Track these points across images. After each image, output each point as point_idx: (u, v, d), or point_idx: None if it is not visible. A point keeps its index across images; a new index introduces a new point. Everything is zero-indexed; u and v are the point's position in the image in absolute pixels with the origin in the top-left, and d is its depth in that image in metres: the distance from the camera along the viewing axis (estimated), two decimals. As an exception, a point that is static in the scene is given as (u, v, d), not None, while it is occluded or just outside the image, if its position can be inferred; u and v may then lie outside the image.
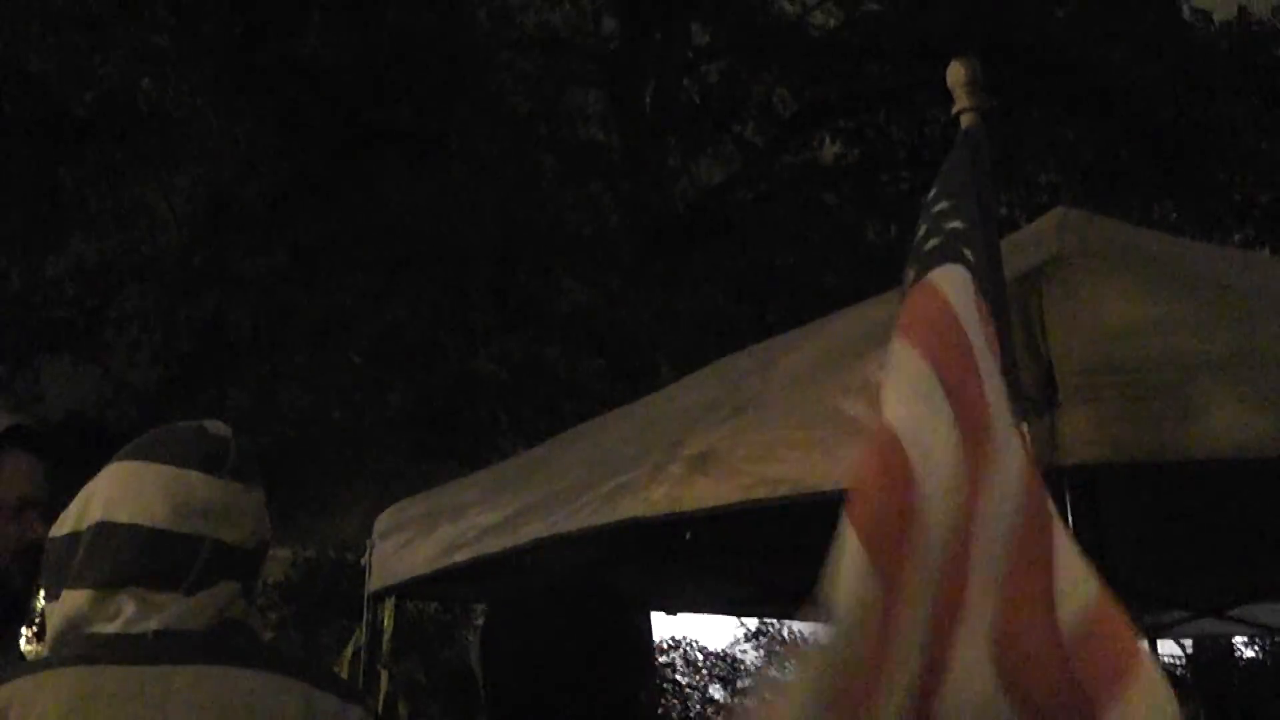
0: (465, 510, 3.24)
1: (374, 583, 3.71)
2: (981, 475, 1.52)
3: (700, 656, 13.45)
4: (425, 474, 7.95)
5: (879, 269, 8.16)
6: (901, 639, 1.52)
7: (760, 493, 2.09)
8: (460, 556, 3.08)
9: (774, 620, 12.24)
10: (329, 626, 9.48)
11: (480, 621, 1.96)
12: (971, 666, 1.51)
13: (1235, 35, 9.86)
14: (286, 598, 10.76)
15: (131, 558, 1.47)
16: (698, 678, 13.38)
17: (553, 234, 8.73)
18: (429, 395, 8.79)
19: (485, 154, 8.53)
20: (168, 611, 1.45)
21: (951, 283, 1.72)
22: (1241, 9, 9.97)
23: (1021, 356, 1.90)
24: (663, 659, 12.76)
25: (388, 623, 3.74)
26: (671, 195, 10.08)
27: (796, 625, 12.27)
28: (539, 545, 2.70)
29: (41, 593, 1.61)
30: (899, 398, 1.61)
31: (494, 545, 2.90)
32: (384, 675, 3.75)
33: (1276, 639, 9.87)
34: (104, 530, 1.49)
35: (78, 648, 1.46)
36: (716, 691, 13.21)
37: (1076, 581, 1.52)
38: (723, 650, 13.36)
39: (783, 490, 2.08)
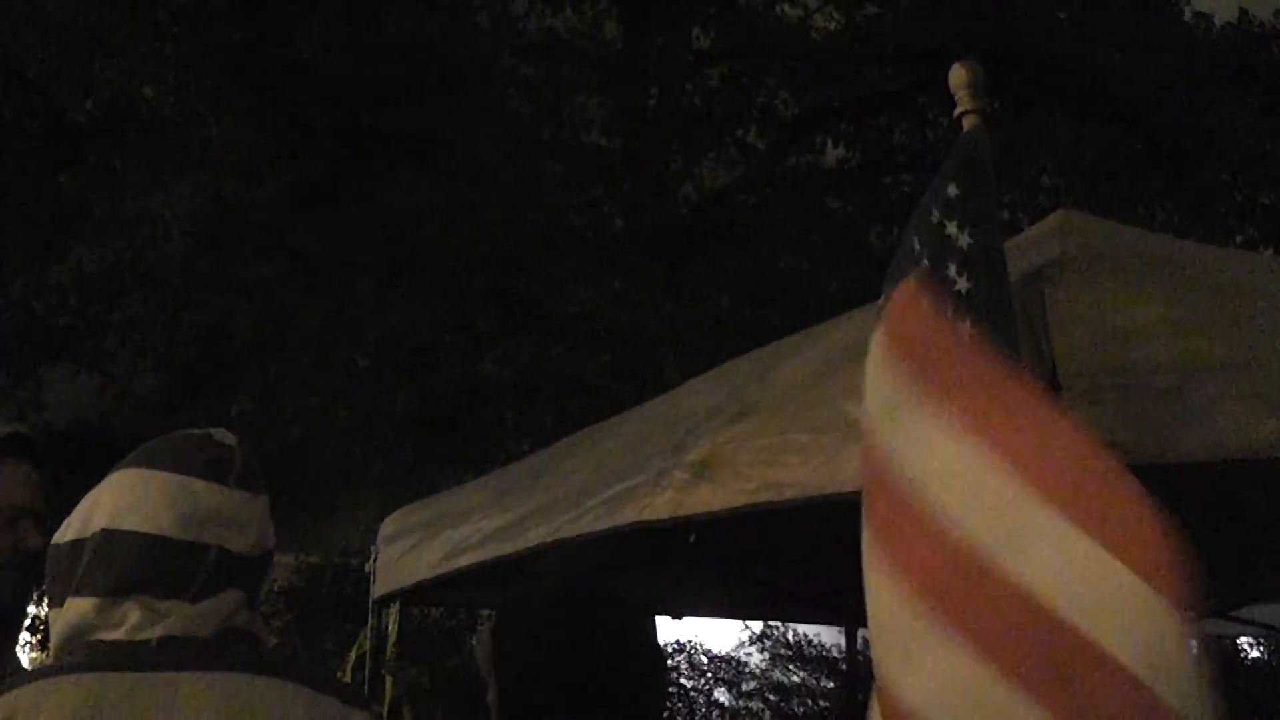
0: (469, 515, 3.24)
1: (378, 588, 3.72)
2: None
3: (705, 659, 13.44)
4: (430, 479, 7.96)
5: (882, 272, 8.15)
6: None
7: (764, 497, 2.09)
8: (464, 561, 3.08)
9: (778, 623, 12.24)
10: (333, 632, 9.48)
11: (488, 625, 1.96)
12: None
13: (1236, 37, 9.87)
14: (290, 604, 10.75)
15: (137, 566, 1.47)
16: (702, 681, 13.36)
17: (555, 239, 8.73)
18: (434, 397, 8.80)
19: (487, 159, 8.53)
20: (172, 619, 1.45)
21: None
22: (1242, 11, 9.97)
23: (1025, 359, 1.89)
24: (667, 662, 12.76)
25: (392, 628, 3.74)
26: (674, 199, 10.08)
27: (800, 628, 12.29)
28: (543, 551, 2.70)
29: (45, 601, 1.61)
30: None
31: (498, 551, 2.90)
32: (388, 681, 3.75)
33: (1282, 640, 9.85)
34: (109, 538, 1.49)
35: (82, 655, 1.46)
36: (721, 694, 13.19)
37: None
38: (727, 653, 13.36)
39: (787, 494, 2.08)
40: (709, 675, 13.33)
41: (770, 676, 12.68)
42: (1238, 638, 9.99)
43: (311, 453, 9.07)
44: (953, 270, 1.94)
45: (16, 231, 8.75)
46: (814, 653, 12.41)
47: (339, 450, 9.14)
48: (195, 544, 1.49)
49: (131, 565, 1.47)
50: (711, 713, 13.11)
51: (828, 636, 12.29)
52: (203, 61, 8.48)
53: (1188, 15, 9.89)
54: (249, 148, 8.67)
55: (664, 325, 8.10)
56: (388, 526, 3.76)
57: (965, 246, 1.93)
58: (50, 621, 1.54)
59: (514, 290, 8.72)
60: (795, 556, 4.25)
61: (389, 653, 3.75)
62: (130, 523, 1.49)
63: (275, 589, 10.48)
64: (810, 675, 12.42)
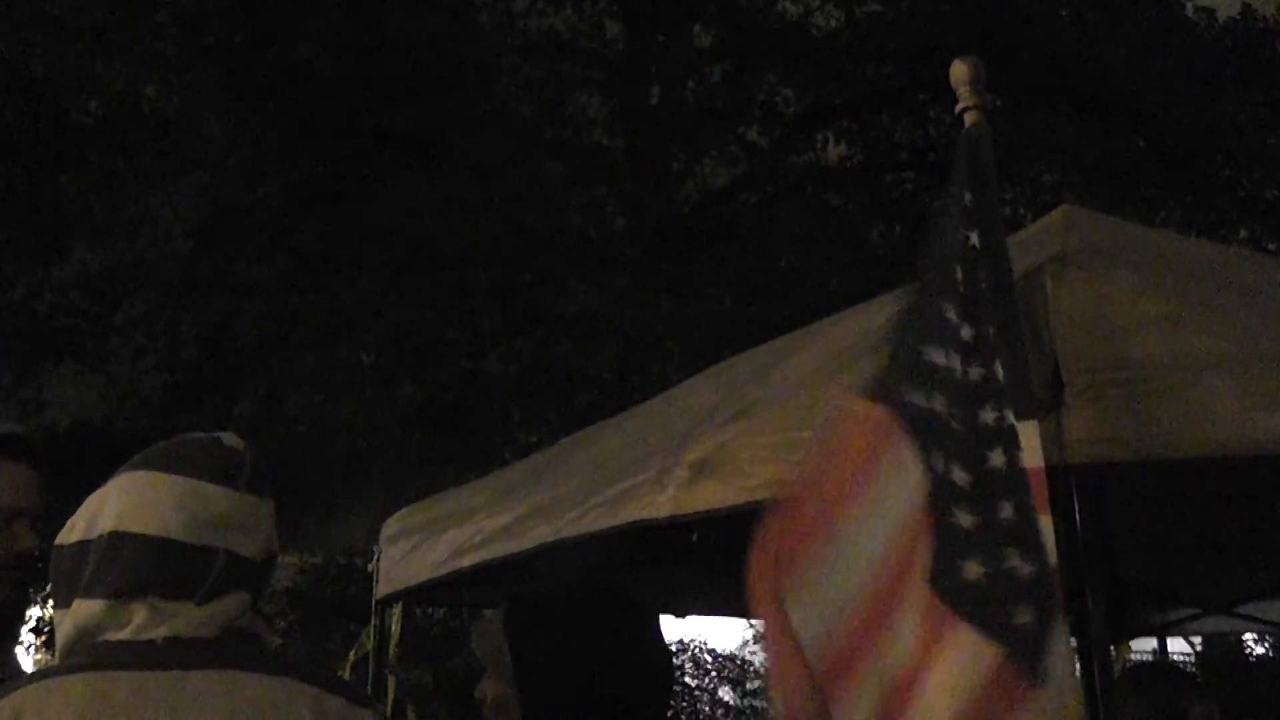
0: (472, 515, 3.23)
1: (381, 588, 3.71)
2: None
3: (709, 658, 13.45)
4: (433, 478, 7.95)
5: (884, 269, 8.19)
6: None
7: (765, 495, 2.09)
8: (467, 561, 3.08)
9: (782, 622, 12.21)
10: (337, 632, 9.49)
11: (495, 619, 1.96)
12: None
13: (1239, 33, 9.86)
14: (294, 604, 10.77)
15: (146, 568, 1.47)
16: (707, 680, 13.37)
17: (558, 238, 8.73)
18: (437, 394, 8.80)
19: (489, 159, 8.53)
20: (178, 620, 1.46)
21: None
22: (1245, 7, 9.97)
23: (1027, 355, 1.89)
24: (674, 661, 12.75)
25: (395, 628, 3.74)
26: (676, 198, 10.08)
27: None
28: (546, 550, 2.69)
29: (49, 602, 1.61)
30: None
31: (501, 550, 2.90)
32: (391, 681, 3.75)
33: (1286, 637, 9.85)
34: (117, 540, 1.49)
35: (88, 655, 1.46)
36: (725, 693, 13.20)
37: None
38: (731, 652, 13.36)
39: (788, 492, 2.07)
40: (713, 674, 13.33)
41: (774, 675, 12.68)
42: (1242, 634, 9.99)
43: (315, 452, 9.08)
44: (959, 271, 1.94)
45: (19, 232, 8.76)
46: (818, 651, 12.40)
47: (343, 450, 9.15)
48: (204, 547, 1.49)
49: (140, 567, 1.47)
50: (716, 711, 13.11)
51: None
52: (205, 62, 8.49)
53: (1190, 11, 9.89)
54: (251, 148, 8.68)
55: (666, 324, 8.10)
56: (390, 526, 3.75)
57: (975, 245, 1.93)
58: (56, 623, 1.54)
59: (516, 289, 8.72)
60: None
61: (392, 653, 3.75)
62: (140, 525, 1.49)
63: (279, 589, 10.49)
64: (814, 673, 12.41)
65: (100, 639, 1.46)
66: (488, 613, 2.00)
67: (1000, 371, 1.81)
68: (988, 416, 1.80)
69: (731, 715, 13.07)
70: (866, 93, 9.82)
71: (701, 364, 3.88)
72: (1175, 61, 8.88)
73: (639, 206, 9.47)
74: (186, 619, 1.46)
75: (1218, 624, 5.76)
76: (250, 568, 1.53)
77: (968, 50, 2.13)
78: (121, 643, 1.44)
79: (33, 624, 10.32)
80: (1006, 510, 1.73)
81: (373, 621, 3.77)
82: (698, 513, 2.19)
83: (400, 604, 3.79)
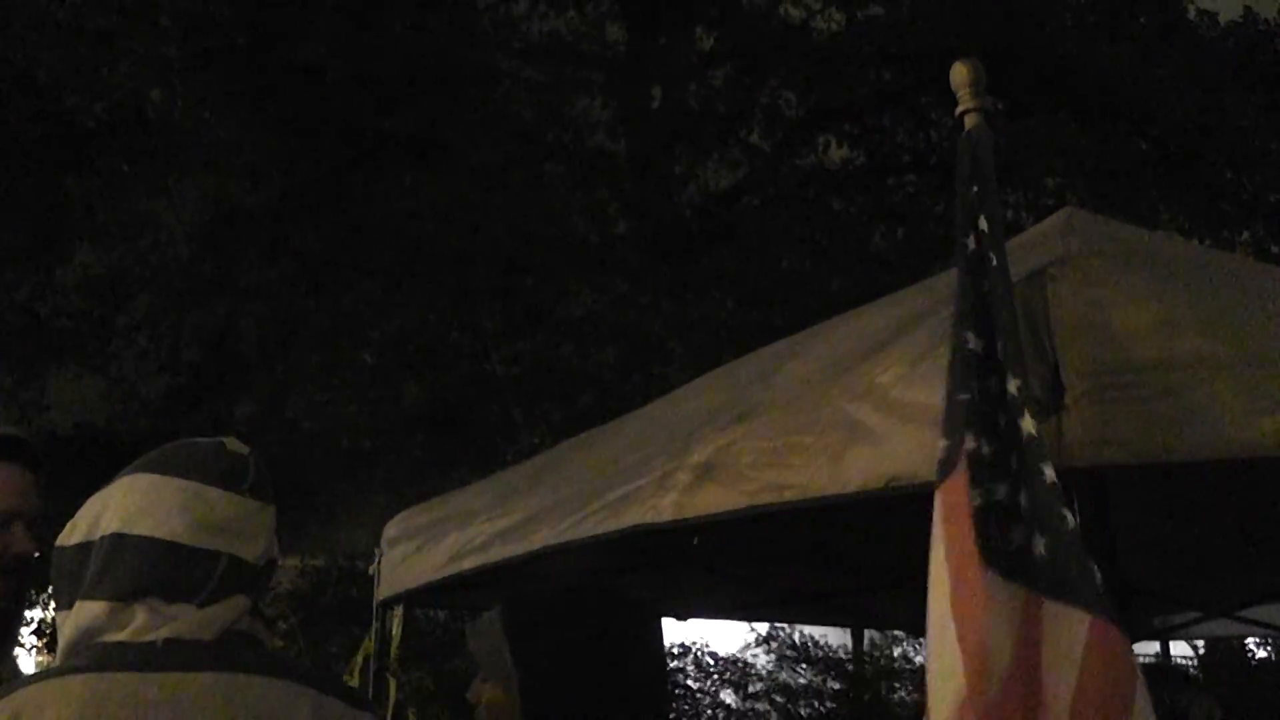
0: (473, 518, 3.23)
1: (382, 591, 3.72)
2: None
3: (711, 661, 13.43)
4: (436, 481, 7.95)
5: (886, 271, 8.19)
6: None
7: (766, 499, 2.09)
8: (468, 564, 3.08)
9: (785, 625, 12.23)
10: (338, 635, 9.48)
11: (493, 619, 1.96)
12: None
13: (1241, 35, 9.86)
14: (296, 607, 10.76)
15: (148, 570, 1.47)
16: (709, 682, 13.35)
17: (560, 241, 8.73)
18: (440, 395, 8.81)
19: (491, 162, 8.54)
20: (179, 622, 1.46)
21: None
22: (1247, 9, 9.96)
23: (1027, 359, 1.89)
24: (673, 664, 12.74)
25: (396, 631, 3.74)
26: (678, 201, 10.08)
27: (807, 629, 12.28)
28: (548, 553, 2.69)
29: (51, 604, 1.61)
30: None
31: (502, 553, 2.90)
32: (392, 683, 3.75)
33: (1289, 640, 9.84)
34: (120, 542, 1.49)
35: (88, 656, 1.46)
36: (727, 696, 13.19)
37: None
38: (733, 655, 13.34)
39: (788, 496, 2.07)
40: (715, 677, 13.32)
41: (777, 678, 12.66)
42: (1244, 638, 9.97)
43: (317, 455, 9.08)
44: (965, 276, 1.94)
45: (23, 234, 8.77)
46: (821, 654, 12.40)
47: (345, 452, 9.16)
48: (206, 551, 1.49)
49: (142, 569, 1.47)
50: (718, 714, 13.10)
51: (834, 637, 12.29)
52: (208, 66, 8.49)
53: (1191, 13, 9.88)
54: (253, 151, 8.69)
55: (667, 325, 8.10)
56: (391, 529, 3.76)
57: (976, 248, 1.94)
58: (58, 625, 1.54)
59: (518, 291, 8.73)
60: (802, 557, 4.26)
61: (393, 655, 3.75)
62: (143, 528, 1.50)
63: (282, 592, 10.49)
64: (817, 676, 12.40)
65: (100, 640, 1.46)
66: (483, 614, 1.99)
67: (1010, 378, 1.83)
68: (1013, 388, 1.83)
69: (734, 718, 13.06)
70: (868, 96, 9.82)
71: (703, 366, 3.89)
72: (1177, 64, 8.88)
73: (641, 210, 9.47)
74: (187, 621, 1.46)
75: (1220, 628, 5.76)
76: (251, 572, 1.54)
77: (969, 53, 2.13)
78: (121, 644, 1.45)
79: (34, 626, 10.33)
80: (1049, 473, 1.76)
81: (374, 624, 3.77)
82: (699, 517, 2.19)
83: (401, 607, 3.79)
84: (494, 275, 8.52)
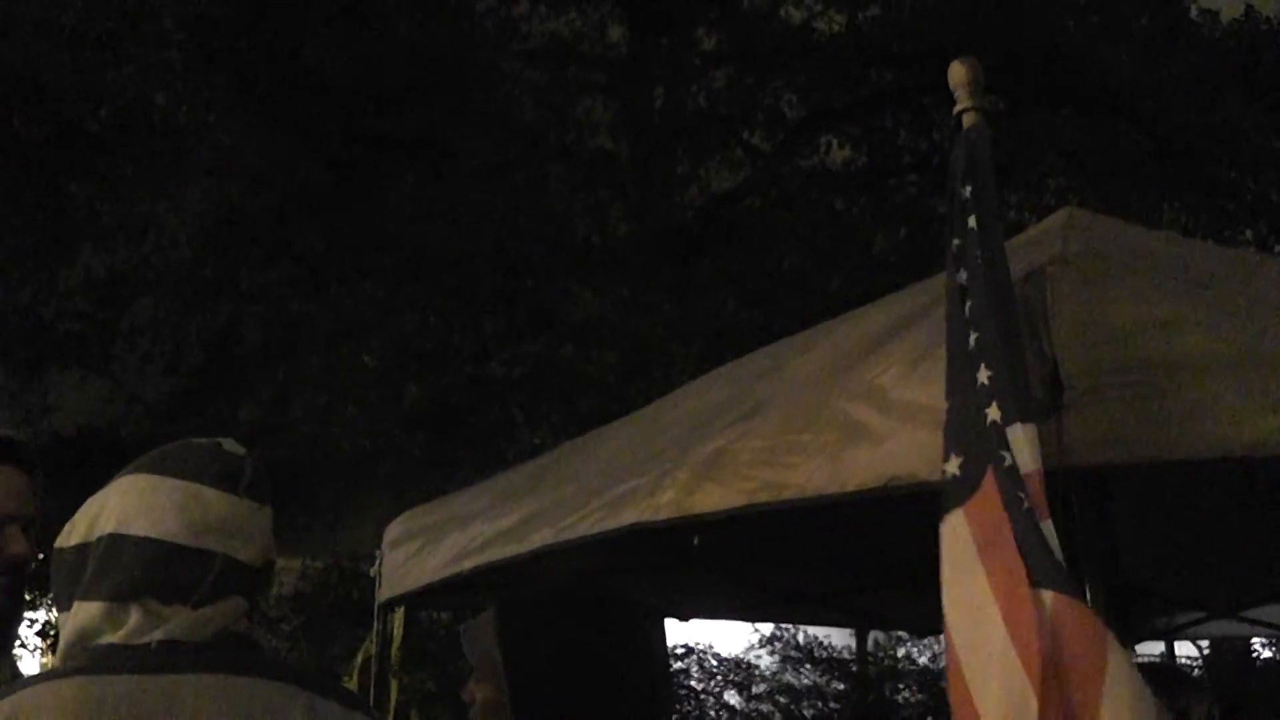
0: (474, 519, 3.23)
1: (384, 592, 3.71)
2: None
3: (715, 662, 13.42)
4: (438, 482, 7.95)
5: (887, 272, 8.18)
6: None
7: (764, 498, 2.08)
8: (469, 564, 3.07)
9: (788, 626, 12.22)
10: (341, 637, 9.49)
11: (486, 620, 1.96)
12: None
13: (1243, 34, 9.83)
14: (298, 608, 10.76)
15: (144, 571, 1.47)
16: (712, 683, 13.34)
17: (561, 243, 8.74)
18: (442, 397, 8.81)
19: (493, 164, 8.55)
20: (174, 623, 1.46)
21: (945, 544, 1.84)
22: (1249, 8, 9.94)
23: (1027, 358, 1.88)
24: (677, 665, 12.73)
25: (397, 632, 3.74)
26: (680, 202, 10.08)
27: (811, 630, 12.27)
28: (548, 552, 2.69)
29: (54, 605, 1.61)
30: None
31: (502, 553, 2.89)
32: (394, 684, 3.75)
33: (1294, 640, 9.82)
34: (116, 543, 1.50)
35: (84, 659, 1.46)
36: (731, 697, 13.18)
37: None
38: (737, 656, 13.33)
39: (787, 495, 2.07)
40: (719, 678, 13.31)
41: (781, 679, 12.66)
42: (1249, 638, 9.95)
43: (320, 457, 9.09)
44: (962, 274, 1.94)
45: (27, 237, 8.79)
46: (825, 655, 12.40)
47: (348, 454, 9.16)
48: (202, 551, 1.49)
49: (139, 570, 1.47)
50: (722, 715, 13.09)
51: (838, 638, 12.28)
52: (211, 70, 8.50)
53: (1194, 13, 9.87)
54: (256, 154, 8.69)
55: (669, 327, 8.10)
56: (392, 530, 3.76)
57: (973, 248, 1.94)
58: (59, 626, 1.54)
59: (520, 294, 8.73)
60: (806, 558, 4.25)
61: (394, 657, 3.75)
62: (139, 528, 1.50)
63: (285, 593, 10.50)
64: (821, 677, 12.40)
65: (96, 643, 1.46)
66: (477, 615, 1.99)
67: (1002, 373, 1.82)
68: (983, 377, 1.84)
69: (737, 719, 13.05)
70: (869, 96, 9.82)
71: (704, 367, 3.88)
72: (1179, 63, 8.87)
73: (643, 211, 9.46)
74: (182, 622, 1.46)
75: (1224, 628, 5.75)
76: (247, 573, 1.53)
77: (971, 54, 2.13)
78: (115, 646, 1.45)
79: (39, 628, 10.35)
80: (1007, 458, 1.79)
81: (375, 625, 3.77)
82: (697, 515, 2.19)
83: (402, 608, 3.78)
84: (495, 277, 8.52)
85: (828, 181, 10.19)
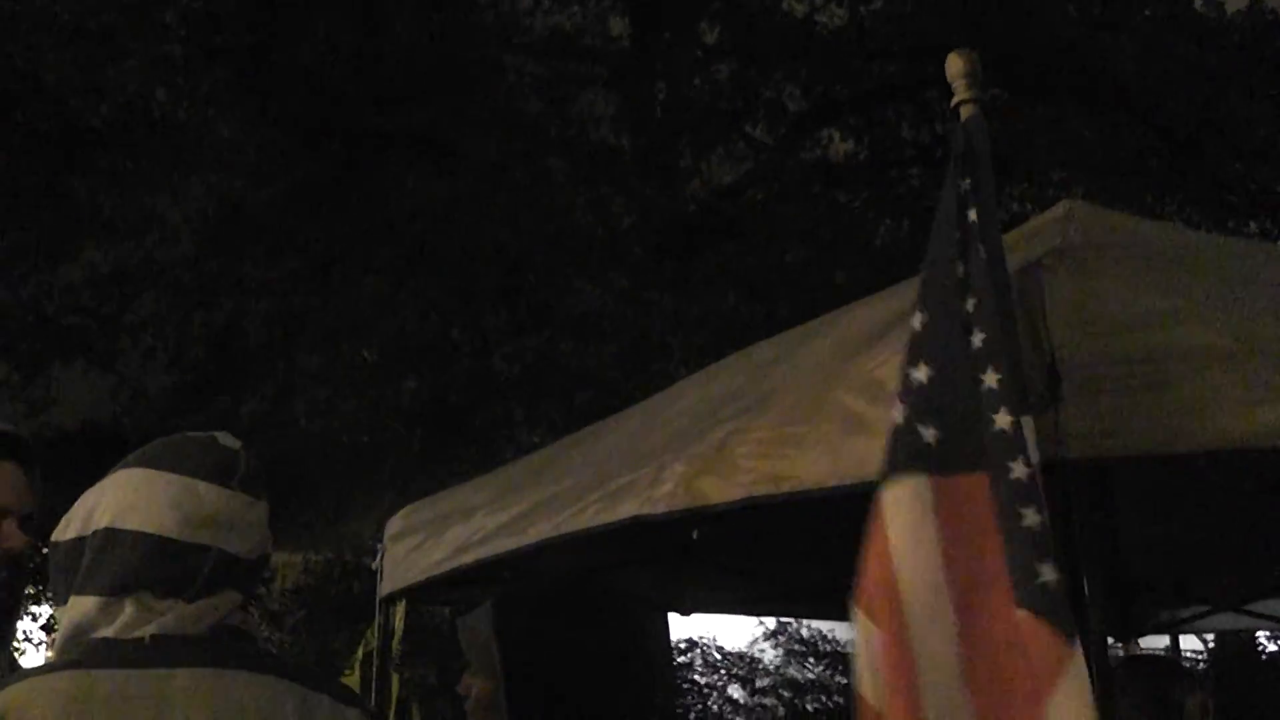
0: (474, 512, 3.23)
1: (385, 586, 3.71)
2: None
3: (719, 656, 13.43)
4: (440, 476, 7.95)
5: (890, 265, 8.16)
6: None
7: (762, 490, 2.08)
8: (469, 558, 3.07)
9: (792, 619, 12.22)
10: (343, 631, 9.51)
11: (482, 614, 1.96)
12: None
13: (1248, 25, 9.79)
14: (300, 602, 10.79)
15: (139, 565, 1.48)
16: (716, 677, 13.35)
17: (563, 237, 8.73)
18: (443, 392, 8.81)
19: (495, 157, 8.54)
20: (167, 617, 1.46)
21: (895, 506, 1.78)
22: (1253, -1, 9.90)
23: (1024, 350, 1.88)
24: (681, 659, 12.75)
25: (398, 626, 3.74)
26: (683, 196, 10.06)
27: (815, 624, 12.26)
28: (548, 546, 2.69)
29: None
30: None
31: (502, 546, 2.89)
32: (395, 679, 3.75)
33: (1299, 633, 9.81)
34: (112, 537, 1.50)
35: (77, 653, 1.47)
36: (735, 691, 13.19)
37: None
38: (741, 650, 13.34)
39: (785, 487, 2.06)
40: (723, 671, 13.32)
41: (784, 672, 12.68)
42: (1254, 631, 9.95)
43: (323, 451, 9.10)
44: (960, 267, 1.93)
45: (30, 232, 8.80)
46: (828, 648, 12.40)
47: (350, 448, 9.17)
48: (197, 545, 1.50)
49: (134, 564, 1.48)
50: (725, 709, 13.10)
51: (842, 632, 12.28)
52: (212, 65, 8.50)
53: (1198, 4, 9.82)
54: (258, 149, 8.69)
55: (669, 322, 8.09)
56: (393, 524, 3.76)
57: (970, 240, 1.93)
58: (57, 620, 1.55)
59: (522, 288, 8.72)
60: (808, 551, 4.24)
61: (395, 651, 3.75)
62: (134, 522, 1.50)
63: (286, 588, 10.53)
64: (825, 671, 12.41)
65: (90, 637, 1.46)
66: (475, 609, 2.00)
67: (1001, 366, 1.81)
68: (991, 380, 1.81)
69: (742, 713, 13.06)
70: (872, 89, 9.80)
71: (705, 362, 3.87)
72: (1183, 55, 8.83)
73: (645, 205, 9.45)
74: (175, 616, 1.46)
75: (1229, 621, 5.73)
76: (242, 567, 1.54)
77: (973, 46, 2.12)
78: (108, 640, 1.45)
79: (44, 622, 10.39)
80: (1018, 471, 1.74)
81: (376, 620, 3.77)
82: (696, 508, 2.18)
83: (403, 602, 3.78)
84: (497, 272, 8.52)
85: (830, 175, 10.17)
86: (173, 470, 1.54)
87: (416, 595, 3.81)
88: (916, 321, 1.91)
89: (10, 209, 8.49)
